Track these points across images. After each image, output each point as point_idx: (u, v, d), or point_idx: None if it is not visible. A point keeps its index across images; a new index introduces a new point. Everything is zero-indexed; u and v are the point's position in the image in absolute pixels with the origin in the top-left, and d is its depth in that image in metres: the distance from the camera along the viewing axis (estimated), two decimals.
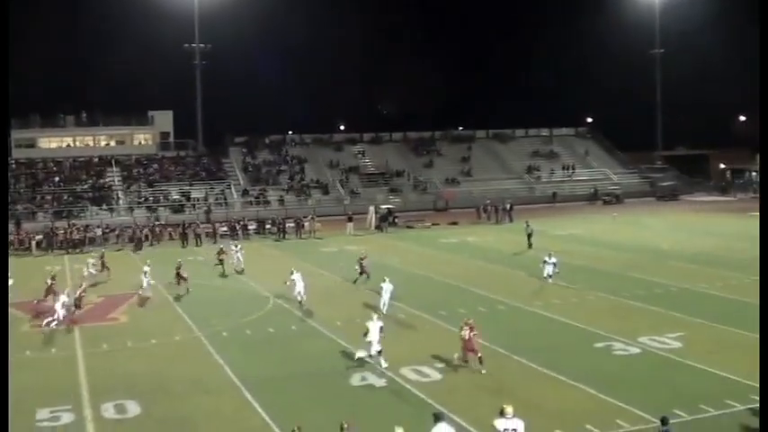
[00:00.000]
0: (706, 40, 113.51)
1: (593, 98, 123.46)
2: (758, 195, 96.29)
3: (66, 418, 24.19)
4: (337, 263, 53.15)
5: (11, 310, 38.61)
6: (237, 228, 71.12)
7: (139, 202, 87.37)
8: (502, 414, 18.38)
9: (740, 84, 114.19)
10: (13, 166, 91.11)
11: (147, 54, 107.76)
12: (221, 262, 50.17)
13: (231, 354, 30.88)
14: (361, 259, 44.77)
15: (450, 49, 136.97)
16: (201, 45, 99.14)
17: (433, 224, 76.99)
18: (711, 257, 51.17)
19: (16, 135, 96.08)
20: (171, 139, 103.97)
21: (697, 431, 21.41)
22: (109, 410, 24.77)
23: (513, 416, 18.34)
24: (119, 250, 64.40)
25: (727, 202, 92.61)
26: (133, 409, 24.85)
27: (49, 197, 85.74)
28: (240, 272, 49.99)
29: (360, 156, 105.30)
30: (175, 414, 24.34)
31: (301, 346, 31.98)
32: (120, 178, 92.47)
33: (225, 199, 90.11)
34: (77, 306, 38.44)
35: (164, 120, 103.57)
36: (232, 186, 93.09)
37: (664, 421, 18.67)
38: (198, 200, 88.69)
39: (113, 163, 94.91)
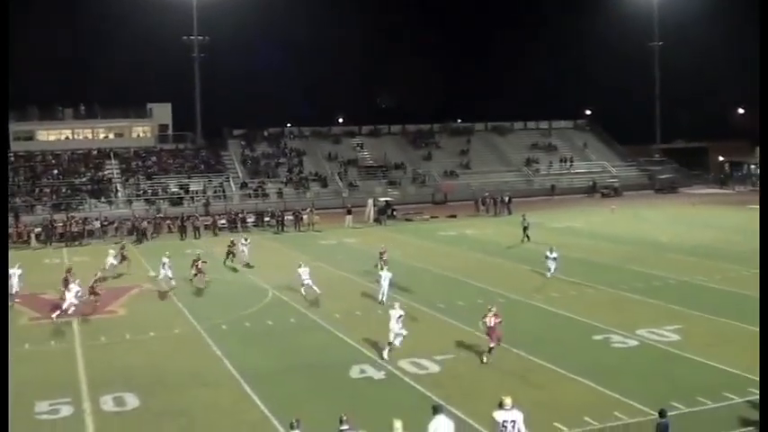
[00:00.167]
0: (704, 32, 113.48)
1: (591, 91, 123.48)
2: (757, 188, 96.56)
3: (66, 410, 24.21)
4: (336, 256, 53.14)
5: (17, 306, 38.79)
6: (237, 220, 71.18)
7: (138, 195, 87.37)
8: (501, 406, 18.38)
9: (739, 76, 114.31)
10: (12, 158, 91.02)
11: (145, 46, 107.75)
12: (232, 254, 49.98)
13: (230, 346, 30.89)
14: (381, 254, 44.23)
15: (449, 41, 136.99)
16: (200, 37, 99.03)
17: (431, 217, 76.97)
18: (710, 250, 51.18)
19: (15, 128, 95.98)
20: (169, 131, 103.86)
21: (695, 424, 21.41)
22: (108, 403, 24.79)
23: (512, 407, 18.35)
24: (117, 243, 64.35)
25: (726, 195, 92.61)
26: (132, 401, 24.87)
27: (47, 190, 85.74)
28: (246, 265, 49.86)
29: (358, 148, 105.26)
30: (174, 407, 24.35)
31: (300, 339, 32.00)
32: (118, 171, 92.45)
33: (223, 192, 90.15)
34: (93, 294, 38.71)
35: (162, 112, 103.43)
36: (231, 179, 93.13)
37: (662, 414, 18.68)
38: (196, 192, 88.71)
39: (112, 156, 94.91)
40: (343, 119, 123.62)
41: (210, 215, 74.25)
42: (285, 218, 71.44)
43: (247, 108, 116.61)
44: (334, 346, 30.70)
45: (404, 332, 28.63)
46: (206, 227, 69.12)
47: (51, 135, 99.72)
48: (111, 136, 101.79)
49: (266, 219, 73.54)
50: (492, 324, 27.81)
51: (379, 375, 26.76)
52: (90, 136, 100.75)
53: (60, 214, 74.95)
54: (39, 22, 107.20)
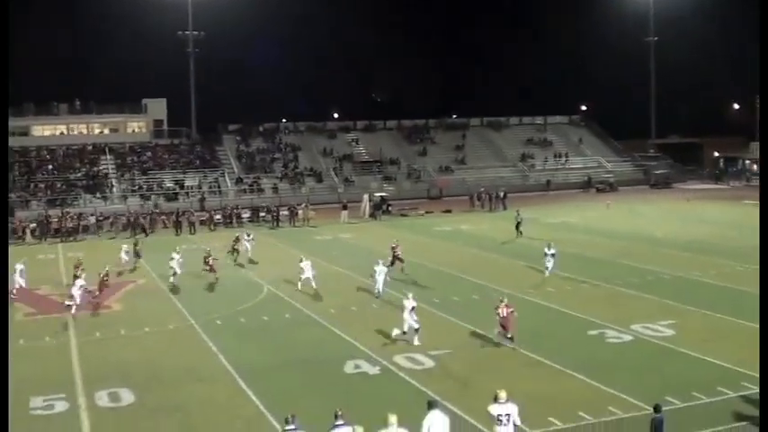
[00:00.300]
0: (700, 28, 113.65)
1: (586, 86, 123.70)
2: (751, 184, 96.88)
3: (60, 406, 24.22)
4: (331, 251, 53.13)
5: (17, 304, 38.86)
6: (232, 216, 71.18)
7: (133, 191, 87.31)
8: (496, 399, 18.46)
9: (734, 72, 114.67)
10: None
11: (140, 42, 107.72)
12: (236, 250, 49.79)
13: (225, 342, 30.92)
14: (394, 248, 44.12)
15: (444, 37, 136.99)
16: (195, 33, 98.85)
17: (426, 212, 77.03)
18: (705, 245, 51.26)
19: (10, 123, 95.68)
20: (164, 126, 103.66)
21: (689, 418, 21.44)
22: (103, 399, 24.80)
23: (507, 401, 18.43)
24: (112, 238, 64.39)
25: (721, 190, 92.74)
26: (127, 397, 24.88)
27: (42, 185, 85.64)
28: (250, 261, 49.69)
29: (353, 144, 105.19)
30: (169, 402, 24.36)
31: (295, 334, 32.03)
32: (113, 166, 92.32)
33: (219, 187, 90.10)
34: (103, 288, 38.94)
35: (157, 108, 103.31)
36: (226, 174, 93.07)
37: (657, 409, 18.73)
38: (192, 188, 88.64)
39: (107, 151, 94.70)
40: (339, 114, 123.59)
41: (207, 210, 74.24)
42: (280, 213, 71.44)
43: (242, 103, 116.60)
44: (330, 342, 30.74)
45: (416, 325, 29.21)
46: (201, 222, 69.10)
47: (46, 130, 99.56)
48: (107, 131, 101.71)
49: (261, 214, 73.56)
50: (505, 314, 28.55)
51: (374, 370, 26.80)
52: (85, 131, 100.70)
53: (55, 210, 74.82)
54: (35, 19, 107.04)
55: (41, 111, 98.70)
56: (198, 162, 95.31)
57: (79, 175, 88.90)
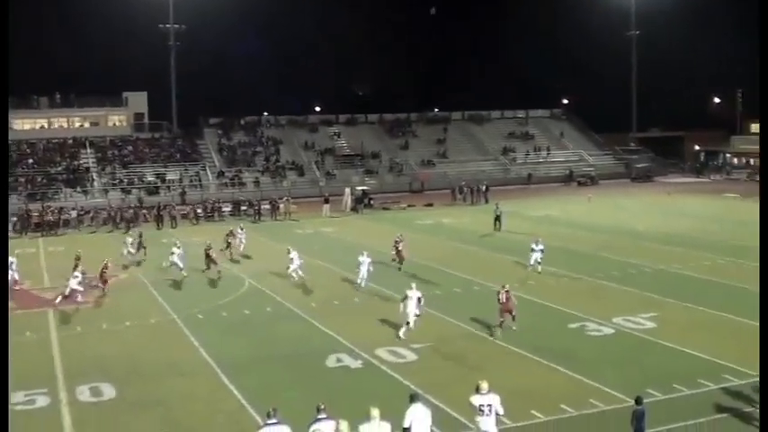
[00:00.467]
0: (682, 22, 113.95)
1: (568, 80, 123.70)
2: (731, 177, 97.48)
3: (42, 401, 24.12)
4: (312, 245, 53.02)
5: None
6: (214, 210, 71.01)
7: (114, 184, 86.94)
8: (477, 390, 18.53)
9: (715, 66, 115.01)
10: None
11: (121, 35, 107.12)
12: (229, 245, 49.42)
13: (206, 336, 30.86)
14: (397, 242, 43.83)
15: (426, 30, 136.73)
16: (176, 26, 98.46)
17: (408, 206, 76.99)
18: (686, 238, 51.44)
19: None
20: (145, 120, 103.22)
21: (671, 410, 21.53)
22: (84, 393, 24.72)
23: (489, 391, 18.50)
24: (92, 232, 64.17)
25: (702, 184, 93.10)
26: (108, 391, 24.80)
27: (22, 179, 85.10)
28: (242, 256, 49.47)
29: (335, 137, 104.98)
30: (151, 396, 24.30)
31: (277, 328, 32.02)
32: (94, 160, 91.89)
33: (200, 181, 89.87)
34: (103, 281, 38.86)
35: (138, 101, 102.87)
36: (207, 168, 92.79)
37: (638, 401, 18.79)
38: (173, 182, 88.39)
39: (87, 145, 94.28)
40: (320, 108, 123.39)
41: (190, 204, 74.02)
42: (262, 207, 71.34)
43: (224, 97, 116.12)
44: (311, 336, 30.72)
45: (418, 311, 29.64)
46: (183, 216, 68.90)
47: (26, 124, 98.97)
48: (87, 125, 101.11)
49: (243, 208, 73.43)
50: (505, 299, 29.33)
51: (356, 364, 26.80)
52: (65, 125, 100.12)
53: (36, 204, 74.47)
54: (14, 11, 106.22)
55: (21, 104, 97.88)
56: (179, 156, 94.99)
57: (60, 168, 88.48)
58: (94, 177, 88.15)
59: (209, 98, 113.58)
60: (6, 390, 20.69)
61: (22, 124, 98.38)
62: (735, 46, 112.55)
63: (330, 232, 60.80)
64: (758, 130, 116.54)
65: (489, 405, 18.41)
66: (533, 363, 26.43)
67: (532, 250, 41.47)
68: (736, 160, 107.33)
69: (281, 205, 70.79)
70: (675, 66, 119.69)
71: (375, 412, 17.14)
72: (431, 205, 76.51)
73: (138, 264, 47.64)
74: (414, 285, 30.62)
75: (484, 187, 79.15)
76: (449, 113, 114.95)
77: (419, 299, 29.79)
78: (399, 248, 43.37)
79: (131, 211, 69.06)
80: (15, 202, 77.65)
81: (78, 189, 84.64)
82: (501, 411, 18.64)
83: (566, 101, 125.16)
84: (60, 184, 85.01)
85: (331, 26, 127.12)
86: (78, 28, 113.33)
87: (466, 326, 30.65)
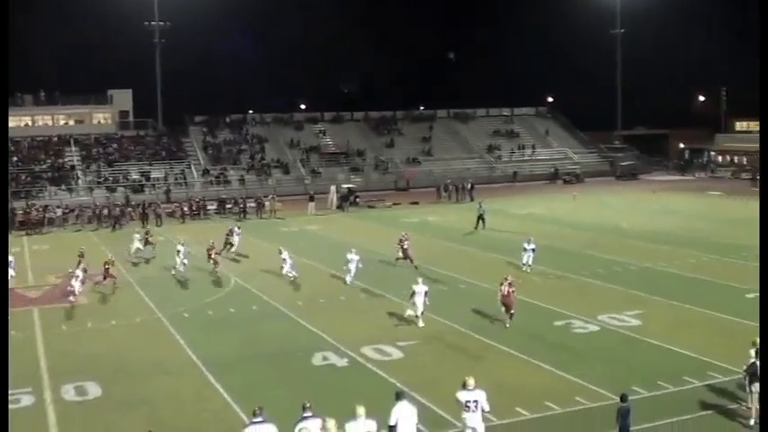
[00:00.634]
0: (666, 20, 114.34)
1: (553, 78, 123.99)
2: (716, 175, 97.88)
3: (26, 400, 24.03)
4: (298, 243, 52.94)
5: None
6: (200, 209, 70.87)
7: (99, 183, 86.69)
8: (464, 386, 18.62)
9: (700, 64, 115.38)
10: None
11: (105, 32, 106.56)
12: (230, 244, 48.94)
13: (192, 334, 30.80)
14: (402, 241, 43.50)
15: (411, 28, 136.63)
16: (161, 23, 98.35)
17: (393, 204, 77.06)
18: (670, 236, 51.58)
19: None
20: (130, 118, 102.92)
21: (656, 408, 21.61)
22: (69, 392, 24.65)
23: (475, 388, 18.59)
24: (78, 231, 63.98)
25: (686, 182, 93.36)
26: (94, 390, 24.74)
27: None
28: (238, 255, 49.31)
29: (321, 135, 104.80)
30: (136, 395, 24.24)
31: (263, 327, 31.98)
32: (79, 158, 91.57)
33: (185, 179, 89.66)
34: (106, 277, 38.95)
35: (123, 98, 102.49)
36: (192, 166, 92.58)
37: (623, 398, 18.85)
38: (158, 180, 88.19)
39: (72, 143, 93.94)
40: (306, 105, 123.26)
41: (175, 202, 73.84)
42: (247, 205, 71.25)
43: (209, 95, 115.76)
44: (297, 334, 30.69)
45: (422, 309, 30.41)
46: (168, 214, 68.73)
47: (11, 122, 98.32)
48: (72, 123, 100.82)
49: (228, 206, 73.33)
50: (506, 293, 29.77)
51: (342, 362, 26.80)
52: (50, 123, 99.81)
53: (20, 202, 74.11)
54: None
55: None
56: (164, 153, 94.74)
57: (44, 166, 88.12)
58: (79, 175, 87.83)
59: (194, 96, 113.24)
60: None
61: None
62: (719, 44, 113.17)
63: (315, 230, 60.78)
64: (742, 128, 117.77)
65: (476, 401, 18.50)
66: (519, 360, 26.48)
67: (524, 249, 41.24)
68: (720, 158, 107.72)
69: (267, 203, 70.69)
70: (660, 64, 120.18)
71: (361, 410, 17.17)
72: (416, 203, 76.55)
73: (148, 261, 47.63)
74: (420, 280, 31.27)
75: (469, 185, 79.23)
76: (434, 111, 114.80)
77: (425, 293, 30.36)
78: (405, 247, 43.05)
79: (118, 209, 68.83)
80: None
81: (63, 187, 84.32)
82: (487, 408, 18.73)
83: (551, 99, 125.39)
84: (45, 183, 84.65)
85: (316, 23, 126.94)
86: (63, 25, 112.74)
87: (452, 323, 30.68)
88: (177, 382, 25.45)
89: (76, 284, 36.46)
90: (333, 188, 77.26)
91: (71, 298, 36.25)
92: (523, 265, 41.01)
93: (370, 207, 75.25)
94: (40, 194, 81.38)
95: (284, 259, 40.02)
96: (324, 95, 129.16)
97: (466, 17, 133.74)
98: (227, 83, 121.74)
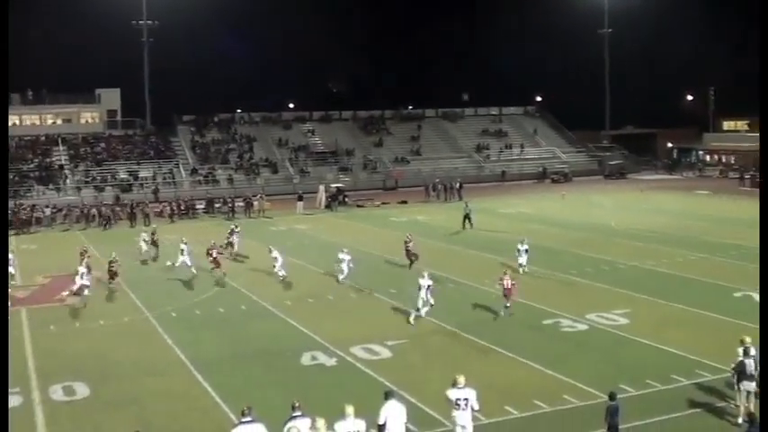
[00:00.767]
0: (654, 20, 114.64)
1: (541, 77, 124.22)
2: (704, 174, 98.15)
3: (15, 400, 23.87)
4: (286, 242, 52.85)
5: None
6: (188, 208, 70.73)
7: (87, 182, 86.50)
8: (454, 384, 18.66)
9: (688, 64, 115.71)
10: None
11: (93, 31, 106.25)
12: (231, 244, 48.77)
13: (180, 334, 30.72)
14: (407, 243, 43.25)
15: (399, 28, 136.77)
16: (149, 22, 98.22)
17: (382, 203, 77.08)
18: (658, 235, 51.68)
19: None
20: (118, 117, 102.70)
21: (644, 406, 21.64)
22: (57, 392, 24.56)
23: (465, 386, 18.63)
24: (66, 230, 63.80)
25: (674, 181, 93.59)
26: (82, 390, 24.66)
27: None
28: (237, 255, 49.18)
29: (309, 134, 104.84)
30: (125, 395, 24.18)
31: (251, 326, 31.93)
32: (67, 157, 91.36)
33: (173, 178, 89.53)
34: (111, 276, 39.00)
35: (111, 98, 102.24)
36: (180, 165, 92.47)
37: (612, 396, 18.87)
38: (146, 179, 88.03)
39: (60, 142, 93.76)
40: (294, 105, 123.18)
41: (164, 201, 73.69)
42: (236, 204, 71.16)
43: (197, 94, 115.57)
44: (286, 333, 30.65)
45: (432, 301, 30.84)
46: (157, 214, 68.58)
47: None
48: (60, 122, 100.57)
49: (216, 205, 73.24)
50: (508, 285, 30.92)
51: (331, 362, 26.77)
52: (38, 122, 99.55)
53: (8, 201, 73.89)
54: None
55: None
56: (152, 153, 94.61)
57: (32, 166, 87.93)
58: (67, 175, 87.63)
59: (182, 95, 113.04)
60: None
61: None
62: (707, 44, 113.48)
63: (304, 229, 60.71)
64: (730, 128, 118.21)
65: (466, 399, 18.54)
66: (507, 359, 26.49)
67: (518, 251, 40.71)
68: (708, 157, 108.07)
69: (255, 203, 70.64)
70: (648, 63, 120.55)
71: (350, 409, 17.15)
72: (405, 203, 76.59)
73: (154, 259, 47.59)
74: (426, 274, 31.60)
75: (457, 184, 79.27)
76: (422, 111, 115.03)
77: (429, 286, 30.81)
78: (409, 248, 42.99)
79: (107, 209, 68.65)
80: None
81: (51, 186, 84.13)
82: (477, 407, 18.76)
83: (539, 98, 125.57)
84: (33, 182, 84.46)
85: (305, 23, 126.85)
86: (50, 24, 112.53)
87: (440, 322, 30.66)
88: (166, 381, 25.38)
89: (85, 280, 36.28)
90: (321, 187, 77.28)
91: (86, 292, 36.15)
92: (520, 266, 40.47)
93: (358, 206, 75.25)
94: (28, 194, 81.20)
95: (275, 257, 39.96)
96: (312, 95, 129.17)
97: (454, 17, 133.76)
98: (215, 82, 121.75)
